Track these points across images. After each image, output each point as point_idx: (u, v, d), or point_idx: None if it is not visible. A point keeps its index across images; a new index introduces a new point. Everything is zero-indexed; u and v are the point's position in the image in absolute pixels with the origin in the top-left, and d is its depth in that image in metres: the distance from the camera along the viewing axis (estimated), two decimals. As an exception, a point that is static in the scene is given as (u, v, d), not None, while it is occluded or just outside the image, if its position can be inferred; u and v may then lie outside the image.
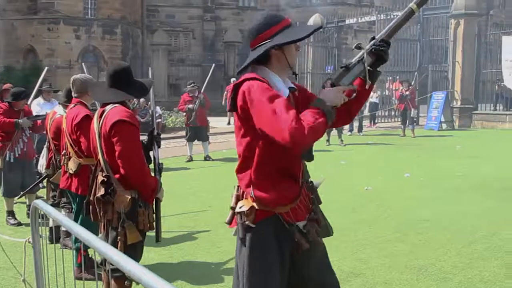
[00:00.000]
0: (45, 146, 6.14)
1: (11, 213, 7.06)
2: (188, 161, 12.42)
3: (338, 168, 11.13)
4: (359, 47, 2.55)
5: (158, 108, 21.80)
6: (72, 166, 4.77)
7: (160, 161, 3.80)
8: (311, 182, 2.75)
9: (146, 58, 29.84)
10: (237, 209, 2.61)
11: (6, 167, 6.94)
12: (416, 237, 5.99)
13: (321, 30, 24.91)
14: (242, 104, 2.47)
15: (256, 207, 2.55)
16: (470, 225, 6.41)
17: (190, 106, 12.19)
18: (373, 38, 2.61)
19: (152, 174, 3.76)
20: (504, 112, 19.91)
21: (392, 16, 22.39)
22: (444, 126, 19.55)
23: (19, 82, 7.49)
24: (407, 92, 16.81)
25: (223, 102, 21.35)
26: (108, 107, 3.61)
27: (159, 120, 21.16)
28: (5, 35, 26.03)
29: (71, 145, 4.79)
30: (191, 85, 12.57)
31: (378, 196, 8.17)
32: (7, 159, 6.89)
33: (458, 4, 20.09)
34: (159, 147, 3.83)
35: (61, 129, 5.08)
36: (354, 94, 2.60)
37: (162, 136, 15.37)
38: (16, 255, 4.71)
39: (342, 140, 15.01)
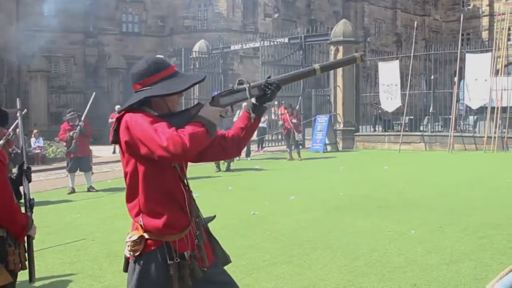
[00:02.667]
0: None
1: None
2: (70, 193, 11.94)
3: (226, 193, 11.24)
4: (241, 83, 2.69)
5: (40, 138, 20.88)
6: None
7: (31, 197, 3.65)
8: (200, 218, 2.80)
9: (23, 85, 28.51)
10: (127, 239, 2.61)
11: None
12: (301, 259, 6.16)
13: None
14: (125, 133, 2.51)
15: (146, 236, 2.57)
16: (352, 243, 6.72)
17: (71, 133, 11.79)
18: (269, 76, 2.75)
19: (23, 210, 3.60)
20: (383, 133, 21.23)
21: (275, 43, 23.24)
22: (329, 148, 20.39)
23: None
24: (291, 117, 17.31)
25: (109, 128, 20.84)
26: None
27: (39, 151, 20.25)
28: None
29: None
30: (70, 114, 12.16)
31: (264, 220, 8.33)
32: None
33: (336, 31, 21.33)
34: (29, 181, 3.67)
35: None
36: (227, 114, 2.68)
37: (42, 167, 14.64)
38: None
39: (229, 166, 15.19)
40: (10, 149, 8.91)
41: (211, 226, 2.89)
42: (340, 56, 21.01)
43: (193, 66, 25.63)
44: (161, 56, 2.78)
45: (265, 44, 23.12)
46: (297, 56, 23.10)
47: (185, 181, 2.71)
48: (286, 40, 23.20)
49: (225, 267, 2.93)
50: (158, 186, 2.58)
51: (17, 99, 4.83)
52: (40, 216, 9.21)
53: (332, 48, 21.38)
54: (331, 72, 21.26)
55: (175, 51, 28.26)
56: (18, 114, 4.06)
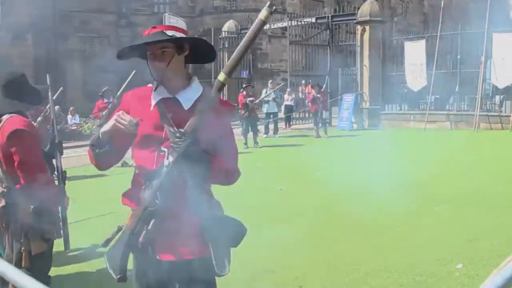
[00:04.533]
0: None
1: None
2: (105, 168, 12.07)
3: (254, 169, 11.23)
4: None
5: (76, 115, 21.18)
6: None
7: (63, 169, 3.68)
8: None
9: (61, 65, 28.81)
10: None
11: None
12: (326, 234, 6.15)
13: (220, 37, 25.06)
14: None
15: None
16: (377, 219, 6.64)
17: (104, 112, 11.87)
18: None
19: (56, 183, 3.64)
20: (409, 112, 20.88)
21: (302, 22, 22.94)
22: (355, 126, 20.24)
23: None
24: (318, 95, 17.23)
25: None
26: (4, 117, 3.45)
27: (75, 128, 20.56)
28: None
29: None
30: (105, 89, 12.31)
31: (290, 195, 8.32)
32: None
33: (363, 11, 20.89)
34: (61, 154, 3.71)
35: None
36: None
37: (79, 143, 14.86)
38: None
39: (257, 143, 15.21)
40: (47, 126, 9.03)
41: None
42: (366, 36, 20.69)
43: (222, 46, 25.53)
44: None
45: (293, 24, 22.87)
46: (324, 35, 22.77)
47: None
48: (313, 20, 22.85)
49: None
50: None
51: (47, 75, 4.84)
52: (75, 190, 9.37)
53: (359, 27, 21.00)
54: (358, 51, 21.00)
55: (205, 31, 28.16)
56: (49, 90, 4.07)
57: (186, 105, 2.43)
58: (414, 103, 21.09)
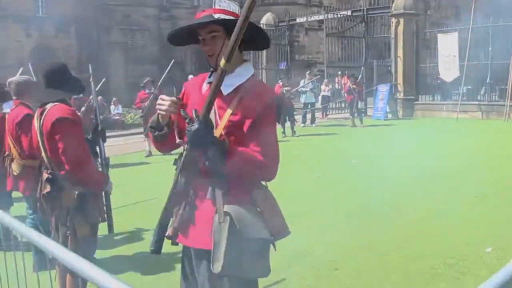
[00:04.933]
0: None
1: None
2: (147, 156, 12.17)
3: (292, 157, 11.13)
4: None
5: (119, 106, 21.46)
6: (15, 168, 4.62)
7: (106, 156, 3.67)
8: None
9: (103, 57, 29.19)
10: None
11: None
12: (359, 219, 6.01)
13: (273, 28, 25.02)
14: None
15: None
16: (411, 206, 6.49)
17: (145, 103, 11.95)
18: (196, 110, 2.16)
19: (100, 169, 3.62)
20: (441, 102, 20.56)
21: (339, 15, 22.67)
22: (389, 115, 20.02)
23: None
24: (354, 86, 17.06)
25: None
26: (48, 106, 3.44)
27: (118, 117, 20.83)
28: None
29: (13, 145, 4.61)
30: (146, 81, 12.38)
31: (326, 182, 8.21)
32: None
33: (398, 4, 20.61)
34: (104, 142, 3.69)
35: None
36: None
37: (122, 132, 15.08)
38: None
39: (295, 131, 15.16)
40: (91, 116, 9.11)
41: (280, 186, 2.72)
42: (401, 28, 20.36)
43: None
44: None
45: (329, 17, 22.64)
46: (360, 28, 22.50)
47: None
48: (349, 12, 22.60)
49: None
50: None
51: (89, 65, 4.85)
52: (119, 177, 9.45)
53: (393, 20, 20.71)
54: (392, 43, 20.68)
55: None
56: (91, 80, 4.07)
57: (226, 91, 2.28)
58: (446, 93, 20.85)
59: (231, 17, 2.24)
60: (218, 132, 2.21)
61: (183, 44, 2.49)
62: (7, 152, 4.84)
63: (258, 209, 2.26)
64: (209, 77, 2.36)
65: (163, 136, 2.33)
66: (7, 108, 7.37)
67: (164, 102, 2.24)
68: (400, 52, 20.47)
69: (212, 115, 2.22)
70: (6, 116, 5.16)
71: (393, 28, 20.77)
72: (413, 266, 4.56)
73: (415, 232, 5.53)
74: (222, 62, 2.02)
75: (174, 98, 2.25)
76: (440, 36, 19.83)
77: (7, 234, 3.84)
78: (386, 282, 4.26)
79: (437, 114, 19.77)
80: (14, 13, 25.26)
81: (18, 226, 2.19)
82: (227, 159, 2.13)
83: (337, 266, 4.60)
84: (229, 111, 2.23)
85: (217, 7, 2.26)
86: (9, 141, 4.73)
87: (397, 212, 6.31)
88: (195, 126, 2.06)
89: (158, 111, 2.28)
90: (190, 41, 2.43)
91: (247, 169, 2.21)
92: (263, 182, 2.36)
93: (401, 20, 20.42)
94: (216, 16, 2.23)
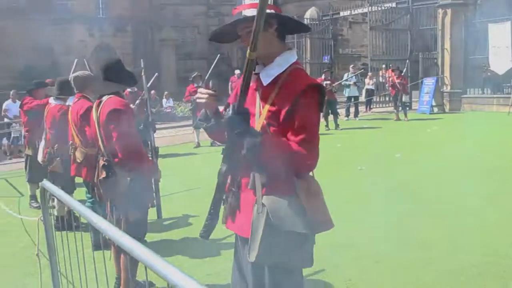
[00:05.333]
0: (43, 137, 6.12)
1: (34, 197, 7.23)
2: (196, 147, 12.43)
3: (335, 150, 11.11)
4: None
5: (170, 99, 21.88)
6: (79, 155, 4.89)
7: (156, 145, 3.83)
8: None
9: (156, 53, 29.76)
10: None
11: (35, 154, 6.78)
12: (405, 212, 5.96)
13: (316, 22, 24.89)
14: None
15: None
16: (460, 201, 6.39)
17: (194, 96, 12.18)
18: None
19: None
20: (491, 95, 19.65)
21: (383, 8, 22.23)
22: (435, 109, 19.42)
23: (39, 78, 7.74)
24: (398, 79, 16.67)
25: (229, 92, 21.33)
26: (104, 98, 3.65)
27: (169, 110, 21.26)
28: (24, 36, 25.94)
29: (76, 135, 4.86)
30: (194, 75, 12.62)
31: (370, 174, 8.17)
32: (36, 146, 6.77)
33: (445, -6, 19.91)
34: (154, 132, 3.86)
35: (57, 119, 5.20)
36: None
37: (172, 124, 15.41)
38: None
39: (338, 125, 15.04)
40: (144, 108, 9.37)
41: (323, 178, 2.72)
42: (448, 19, 19.73)
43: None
44: None
45: (373, 9, 22.24)
46: (405, 20, 21.99)
47: None
48: (394, 4, 22.09)
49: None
50: None
51: (141, 60, 5.05)
52: (169, 166, 9.72)
53: (440, 11, 19.99)
54: (439, 35, 20.08)
55: (288, 19, 28.02)
56: (142, 73, 4.25)
57: (265, 81, 2.32)
58: (497, 86, 19.85)
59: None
60: (260, 122, 2.26)
61: (226, 42, 2.57)
62: (70, 141, 5.09)
63: (301, 200, 2.23)
64: (254, 70, 2.37)
65: (211, 127, 2.37)
66: (71, 101, 7.74)
67: (203, 95, 2.32)
68: (447, 44, 19.78)
69: (257, 107, 2.30)
70: (70, 108, 5.46)
71: (439, 20, 20.05)
72: (454, 262, 4.46)
73: (457, 227, 5.44)
74: (248, 52, 2.03)
75: (211, 91, 2.33)
76: (491, 26, 18.92)
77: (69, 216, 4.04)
78: (426, 277, 4.20)
79: (486, 108, 18.93)
80: (78, 15, 26.41)
81: (80, 208, 2.35)
82: (262, 148, 2.11)
83: (379, 259, 4.58)
84: (269, 101, 2.27)
85: (247, 2, 2.29)
86: (72, 131, 5.00)
87: (438, 207, 6.24)
88: (229, 114, 2.13)
89: (198, 103, 2.37)
90: (231, 37, 2.49)
91: (283, 160, 2.17)
92: (310, 173, 2.34)
93: (448, 11, 19.70)
94: (248, 11, 2.25)
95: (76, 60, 8.03)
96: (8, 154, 13.82)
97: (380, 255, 4.65)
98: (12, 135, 13.47)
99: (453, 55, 19.74)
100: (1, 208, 6.41)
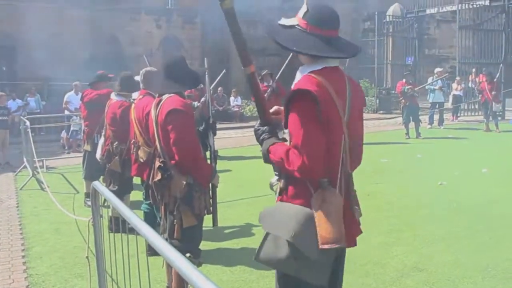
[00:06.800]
0: (102, 134, 6.26)
1: (89, 195, 7.38)
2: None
3: (413, 161, 10.81)
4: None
5: (239, 97, 22.07)
6: (142, 155, 4.94)
7: (215, 148, 3.86)
8: None
9: (226, 48, 30.15)
10: None
11: (93, 151, 6.86)
12: (487, 235, 5.71)
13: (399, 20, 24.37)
14: None
15: None
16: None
17: (265, 95, 12.19)
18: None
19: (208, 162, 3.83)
20: None
21: (475, 5, 21.40)
22: (532, 121, 18.46)
23: (103, 69, 8.05)
24: (489, 86, 15.94)
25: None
26: (164, 97, 3.72)
27: (237, 109, 21.43)
28: (90, 25, 26.96)
29: (140, 133, 4.94)
30: (264, 74, 12.58)
31: (451, 191, 7.86)
32: (95, 141, 6.90)
33: (549, -9, 18.92)
34: (214, 135, 3.89)
35: (118, 115, 5.31)
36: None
37: (240, 124, 15.58)
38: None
39: (419, 133, 14.62)
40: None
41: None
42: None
43: (387, 30, 24.83)
44: None
45: (464, 7, 21.45)
46: (500, 19, 21.04)
47: None
48: (487, 2, 21.19)
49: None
50: None
51: (205, 58, 5.11)
52: (234, 170, 9.80)
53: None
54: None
55: (369, 15, 27.57)
56: (206, 73, 4.30)
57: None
58: None
59: (292, 23, 2.61)
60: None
61: None
62: (133, 140, 5.20)
63: (312, 211, 2.33)
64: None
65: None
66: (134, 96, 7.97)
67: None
68: (550, 47, 18.87)
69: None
70: (133, 105, 5.52)
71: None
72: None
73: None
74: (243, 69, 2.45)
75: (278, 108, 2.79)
76: None
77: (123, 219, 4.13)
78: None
79: None
80: (146, 6, 27.19)
81: (126, 211, 2.41)
82: (269, 155, 2.45)
83: (453, 286, 4.41)
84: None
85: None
86: (135, 129, 5.08)
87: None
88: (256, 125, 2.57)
89: None
90: None
91: (280, 165, 2.42)
92: (330, 185, 2.39)
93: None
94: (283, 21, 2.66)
95: (145, 56, 8.23)
96: (66, 148, 14.34)
97: (455, 282, 4.46)
98: (72, 128, 13.88)
99: (556, 60, 18.71)
100: (56, 206, 6.68)
